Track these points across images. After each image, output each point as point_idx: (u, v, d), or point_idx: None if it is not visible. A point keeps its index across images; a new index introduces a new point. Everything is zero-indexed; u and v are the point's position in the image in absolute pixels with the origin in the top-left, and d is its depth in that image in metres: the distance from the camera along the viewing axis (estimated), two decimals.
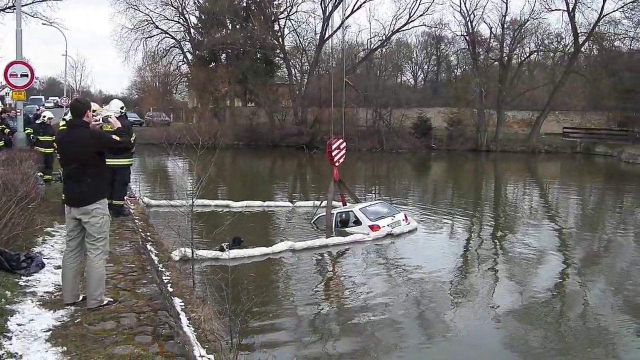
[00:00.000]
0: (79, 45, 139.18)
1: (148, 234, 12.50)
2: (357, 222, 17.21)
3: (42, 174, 15.23)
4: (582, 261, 15.13)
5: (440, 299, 11.47)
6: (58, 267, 7.35)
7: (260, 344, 8.84)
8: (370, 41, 56.30)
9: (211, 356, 6.30)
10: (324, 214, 17.72)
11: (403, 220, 17.60)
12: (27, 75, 16.65)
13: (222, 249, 13.63)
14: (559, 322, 10.54)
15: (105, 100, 56.81)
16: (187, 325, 7.12)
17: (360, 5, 53.65)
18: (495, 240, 17.75)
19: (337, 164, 18.31)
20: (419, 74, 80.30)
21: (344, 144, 18.76)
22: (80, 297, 6.41)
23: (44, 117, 16.29)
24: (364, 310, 10.76)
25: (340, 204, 19.03)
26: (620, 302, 11.47)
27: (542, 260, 14.74)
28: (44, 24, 41.93)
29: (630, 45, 53.08)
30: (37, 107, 22.19)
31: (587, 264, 14.85)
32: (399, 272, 13.63)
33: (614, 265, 14.64)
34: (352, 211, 17.69)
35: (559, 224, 20.41)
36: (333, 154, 18.19)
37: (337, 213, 17.80)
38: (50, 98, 73.13)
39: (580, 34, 49.93)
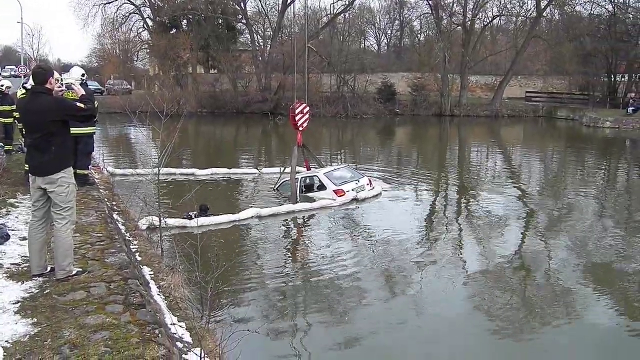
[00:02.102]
0: (34, 12, 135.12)
1: (114, 203, 12.37)
2: (322, 187, 17.24)
3: (2, 145, 14.95)
4: (545, 223, 15.43)
5: (406, 263, 11.59)
6: (24, 239, 7.25)
7: (230, 310, 8.87)
8: (333, 6, 55.90)
9: (183, 323, 6.31)
10: (288, 179, 17.73)
11: (367, 184, 17.69)
12: None
13: (189, 217, 13.56)
14: (522, 284, 10.77)
15: (64, 68, 55.64)
16: (157, 294, 7.10)
17: None
18: (460, 205, 17.99)
19: (300, 129, 18.26)
20: (382, 39, 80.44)
21: (307, 108, 18.70)
22: (48, 268, 6.34)
23: (2, 85, 15.84)
24: (332, 275, 10.83)
25: (304, 169, 19.04)
26: (582, 263, 11.75)
27: (506, 223, 14.98)
28: None
29: (591, 9, 53.67)
30: None
31: (550, 226, 15.14)
32: (365, 237, 13.75)
33: (576, 227, 14.94)
34: (316, 176, 17.70)
35: (523, 187, 20.74)
36: (296, 118, 18.15)
37: (302, 178, 17.78)
38: (6, 67, 71.33)
39: None
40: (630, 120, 41.76)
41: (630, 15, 51.65)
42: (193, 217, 13.54)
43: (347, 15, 57.57)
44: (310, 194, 17.29)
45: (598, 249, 12.78)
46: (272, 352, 7.94)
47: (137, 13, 58.97)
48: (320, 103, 48.87)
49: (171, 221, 12.87)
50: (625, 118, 42.16)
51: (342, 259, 11.74)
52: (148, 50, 60.93)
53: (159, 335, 5.09)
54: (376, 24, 76.45)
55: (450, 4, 53.39)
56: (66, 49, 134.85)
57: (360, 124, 47.07)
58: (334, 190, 16.75)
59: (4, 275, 6.33)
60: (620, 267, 11.58)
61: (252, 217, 14.79)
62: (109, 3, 57.34)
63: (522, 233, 14.29)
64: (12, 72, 60.00)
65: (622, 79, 53.04)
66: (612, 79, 52.97)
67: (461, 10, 52.56)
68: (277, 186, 18.49)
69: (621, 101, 48.07)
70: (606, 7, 52.25)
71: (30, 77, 6.35)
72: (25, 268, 6.50)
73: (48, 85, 6.13)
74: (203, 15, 52.76)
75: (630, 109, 43.27)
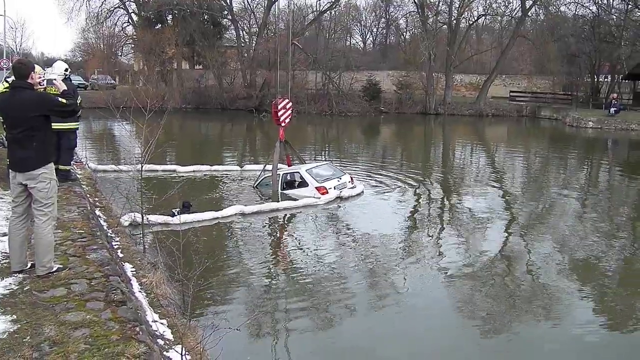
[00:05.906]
0: (18, 5, 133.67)
1: (96, 199, 12.30)
2: (303, 184, 17.18)
3: None
4: (527, 223, 15.50)
5: (390, 261, 11.59)
6: (4, 235, 7.18)
7: (212, 308, 8.86)
8: (319, 3, 55.94)
9: (164, 321, 6.29)
10: (267, 177, 17.68)
11: (349, 182, 17.68)
12: None
13: (172, 215, 13.49)
14: (504, 283, 10.81)
15: (48, 62, 55.18)
16: (139, 291, 7.07)
17: None
18: (443, 203, 18.03)
19: (283, 124, 18.26)
20: (368, 37, 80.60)
21: (290, 104, 18.72)
22: (29, 265, 6.30)
23: None
24: (316, 274, 10.82)
25: (286, 165, 19.02)
26: (564, 263, 11.82)
27: (489, 223, 15.03)
28: None
29: (575, 10, 54.13)
30: None
31: (533, 225, 15.22)
32: (348, 235, 13.74)
33: (558, 226, 15.03)
34: (298, 172, 17.62)
35: (506, 186, 20.83)
36: (279, 113, 18.16)
37: (283, 174, 17.68)
38: None
39: None
40: (612, 120, 42.11)
41: (614, 17, 52.12)
42: (176, 214, 13.47)
43: (333, 12, 57.64)
44: (291, 191, 17.23)
45: (580, 247, 12.88)
46: (254, 351, 7.92)
47: (122, 7, 58.52)
48: (306, 100, 48.96)
49: (153, 218, 12.80)
50: (607, 119, 42.48)
51: (327, 257, 11.73)
52: (133, 45, 60.61)
53: (140, 332, 5.07)
54: (362, 22, 76.71)
55: (436, 3, 53.65)
56: (50, 43, 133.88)
57: (345, 121, 47.14)
58: (316, 188, 16.70)
59: None
60: (602, 265, 11.66)
61: (235, 214, 14.73)
62: None
63: (505, 231, 14.34)
64: None
65: (605, 80, 53.56)
66: (595, 80, 53.42)
67: (447, 9, 52.85)
68: (256, 184, 18.43)
69: (604, 102, 48.46)
70: (590, 8, 52.79)
71: (12, 71, 6.32)
72: (6, 264, 6.46)
73: (30, 80, 6.10)
74: (189, 11, 52.56)
75: (612, 110, 43.57)
